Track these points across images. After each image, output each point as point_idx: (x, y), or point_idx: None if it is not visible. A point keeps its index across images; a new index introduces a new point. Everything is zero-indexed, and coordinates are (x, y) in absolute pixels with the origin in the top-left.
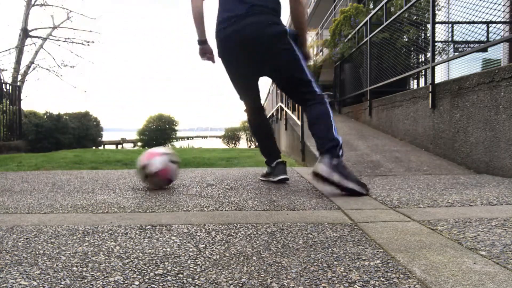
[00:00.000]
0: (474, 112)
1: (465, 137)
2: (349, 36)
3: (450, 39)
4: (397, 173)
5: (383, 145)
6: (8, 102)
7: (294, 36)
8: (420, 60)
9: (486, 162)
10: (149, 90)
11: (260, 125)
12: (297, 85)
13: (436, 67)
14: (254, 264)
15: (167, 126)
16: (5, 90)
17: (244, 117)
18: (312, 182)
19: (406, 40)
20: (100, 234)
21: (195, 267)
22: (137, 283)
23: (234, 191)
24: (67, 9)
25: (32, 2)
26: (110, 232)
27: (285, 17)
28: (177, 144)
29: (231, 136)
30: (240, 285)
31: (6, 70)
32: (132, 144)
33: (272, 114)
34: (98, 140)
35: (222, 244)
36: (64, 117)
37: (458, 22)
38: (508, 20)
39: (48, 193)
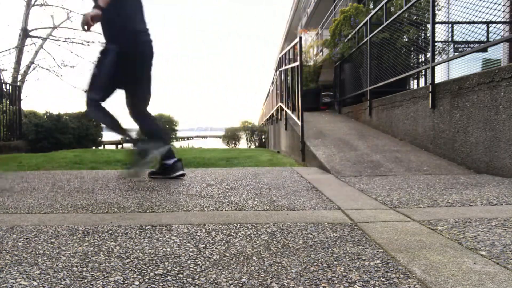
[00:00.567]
0: (474, 112)
1: (465, 137)
2: (349, 36)
3: (450, 39)
4: (397, 173)
5: (383, 145)
6: (8, 102)
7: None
8: (420, 60)
9: (486, 162)
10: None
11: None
12: None
13: (436, 67)
14: (254, 264)
15: (167, 126)
16: (5, 90)
17: (244, 117)
18: (312, 182)
19: (406, 40)
20: (100, 234)
21: (195, 267)
22: (137, 283)
23: (234, 191)
24: (67, 9)
25: (32, 2)
26: (110, 232)
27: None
28: (177, 144)
29: (231, 136)
30: (240, 285)
31: (6, 70)
32: (132, 144)
33: (272, 114)
34: (98, 140)
35: (222, 244)
36: (64, 117)
37: (458, 22)
38: (508, 20)
39: (48, 193)
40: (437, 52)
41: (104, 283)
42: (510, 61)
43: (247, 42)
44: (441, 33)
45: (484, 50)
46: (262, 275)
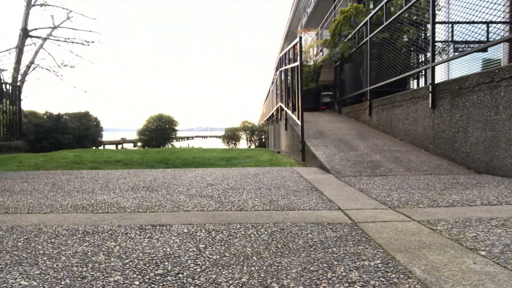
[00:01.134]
0: (474, 112)
1: (465, 137)
2: (349, 36)
3: (450, 39)
4: (397, 173)
5: (383, 145)
6: (8, 102)
7: None
8: (420, 60)
9: (486, 162)
10: (149, 90)
11: None
12: None
13: (436, 67)
14: (254, 264)
15: (167, 126)
16: (5, 90)
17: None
18: (312, 182)
19: (406, 40)
20: (100, 234)
21: (195, 267)
22: (137, 283)
23: (234, 191)
24: (67, 9)
25: (32, 2)
26: (110, 232)
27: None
28: (177, 144)
29: (231, 136)
30: (240, 285)
31: (6, 70)
32: (132, 144)
33: (272, 114)
34: (98, 140)
35: (222, 244)
36: (64, 117)
37: (458, 22)
38: (508, 20)
39: (48, 193)
40: (437, 52)
41: (104, 283)
42: (510, 61)
43: (247, 42)
44: (441, 33)
45: (484, 50)
46: (262, 275)
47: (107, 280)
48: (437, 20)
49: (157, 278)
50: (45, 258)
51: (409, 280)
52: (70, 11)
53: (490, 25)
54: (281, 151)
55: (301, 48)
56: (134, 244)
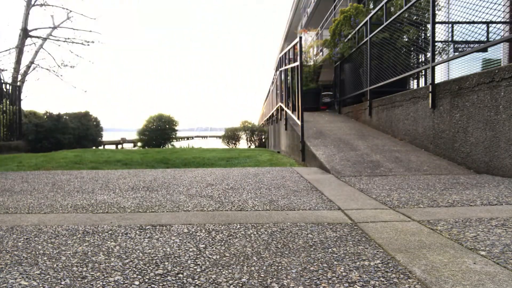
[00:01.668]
0: (474, 112)
1: (465, 137)
2: (349, 36)
3: (450, 39)
4: (397, 173)
5: (383, 145)
6: (8, 102)
7: None
8: (420, 60)
9: (486, 162)
10: (149, 90)
11: None
12: None
13: (436, 67)
14: (254, 264)
15: (167, 126)
16: (5, 90)
17: (244, 117)
18: (312, 182)
19: (406, 40)
20: (100, 234)
21: (195, 267)
22: (137, 283)
23: (234, 191)
24: (67, 9)
25: (32, 2)
26: (110, 232)
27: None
28: (177, 144)
29: (231, 136)
30: (240, 285)
31: (6, 70)
32: (132, 144)
33: (272, 114)
34: (98, 140)
35: (222, 244)
36: (64, 117)
37: (458, 22)
38: (508, 20)
39: (48, 193)
40: (437, 52)
41: (104, 283)
42: (510, 61)
43: (247, 42)
44: (441, 33)
45: (484, 50)
46: (262, 275)
47: (107, 280)
48: (437, 20)
49: (157, 278)
50: (45, 258)
51: (409, 280)
52: (70, 11)
53: (490, 25)
54: (281, 151)
55: (301, 48)
56: (134, 244)
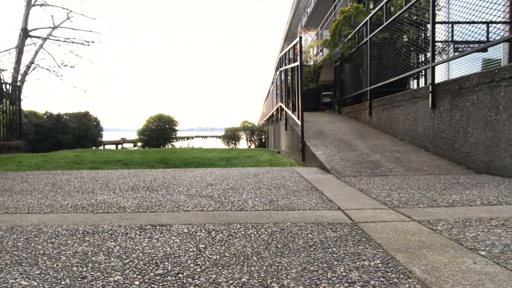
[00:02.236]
0: (474, 112)
1: (465, 137)
2: (349, 36)
3: (450, 39)
4: (397, 173)
5: (383, 145)
6: (8, 102)
7: None
8: (420, 60)
9: (486, 162)
10: (149, 90)
11: None
12: None
13: (436, 67)
14: (254, 264)
15: (167, 126)
16: (5, 90)
17: (244, 117)
18: (312, 182)
19: (406, 40)
20: (100, 234)
21: (195, 267)
22: (137, 283)
23: (234, 191)
24: (67, 9)
25: (32, 2)
26: (110, 232)
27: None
28: (177, 144)
29: (231, 136)
30: (240, 285)
31: (6, 70)
32: (132, 144)
33: (272, 114)
34: (98, 140)
35: (222, 244)
36: (64, 117)
37: (458, 22)
38: (508, 20)
39: (48, 193)
40: (437, 52)
41: (104, 283)
42: (510, 61)
43: (247, 42)
44: (441, 33)
45: (484, 50)
46: (262, 275)
47: (107, 280)
48: (437, 20)
49: (157, 278)
50: (45, 258)
51: (409, 280)
52: (70, 11)
53: (490, 25)
54: (281, 151)
55: (301, 48)
56: (134, 244)
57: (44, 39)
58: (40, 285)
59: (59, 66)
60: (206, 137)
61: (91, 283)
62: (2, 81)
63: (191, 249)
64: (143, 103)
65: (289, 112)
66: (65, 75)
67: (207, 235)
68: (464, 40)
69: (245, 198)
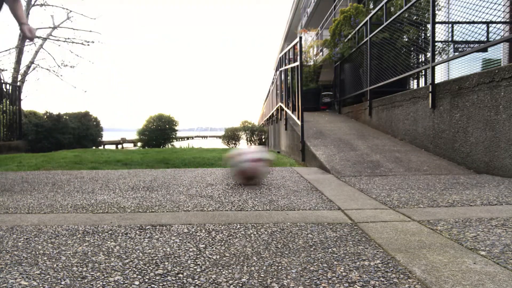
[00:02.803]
0: (474, 112)
1: (465, 137)
2: (349, 36)
3: (450, 39)
4: (397, 173)
5: (383, 145)
6: (8, 102)
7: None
8: (420, 60)
9: (486, 162)
10: (149, 90)
11: None
12: None
13: (436, 67)
14: (254, 264)
15: (167, 126)
16: (5, 90)
17: (244, 117)
18: (312, 182)
19: (406, 40)
20: (100, 234)
21: (195, 267)
22: (137, 283)
23: (234, 191)
24: (67, 9)
25: (32, 2)
26: (110, 232)
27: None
28: (177, 144)
29: (231, 136)
30: (240, 285)
31: (6, 70)
32: (132, 144)
33: (272, 114)
34: (98, 140)
35: (222, 244)
36: (64, 117)
37: (458, 22)
38: (508, 20)
39: (48, 193)
40: (437, 52)
41: (104, 283)
42: (510, 61)
43: (247, 41)
44: (441, 33)
45: (484, 50)
46: (262, 275)
47: (107, 280)
48: (437, 20)
49: (157, 278)
50: (45, 258)
51: (409, 280)
52: (70, 11)
53: (490, 25)
54: (281, 151)
55: (301, 48)
56: (134, 244)
57: (44, 39)
58: (40, 285)
59: (59, 66)
60: (206, 137)
61: (91, 283)
62: (2, 81)
63: (191, 249)
64: (143, 103)
65: (289, 112)
66: (65, 75)
67: (207, 235)
68: (464, 40)
69: (245, 198)
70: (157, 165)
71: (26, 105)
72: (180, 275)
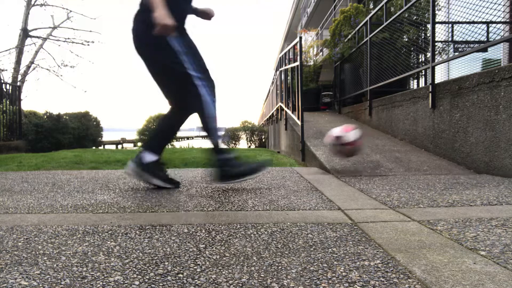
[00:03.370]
0: (474, 112)
1: (465, 137)
2: (349, 36)
3: (450, 39)
4: (397, 173)
5: (383, 145)
6: (8, 102)
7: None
8: (420, 60)
9: (486, 162)
10: (149, 90)
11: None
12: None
13: (436, 67)
14: (254, 264)
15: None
16: (5, 90)
17: (244, 117)
18: (312, 182)
19: (406, 40)
20: (100, 234)
21: (195, 267)
22: (137, 283)
23: (234, 191)
24: (67, 9)
25: (32, 2)
26: (110, 232)
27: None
28: (177, 144)
29: (231, 136)
30: (240, 285)
31: (6, 70)
32: (132, 144)
33: (272, 114)
34: (98, 140)
35: (222, 244)
36: (64, 117)
37: (458, 22)
38: (508, 20)
39: (48, 193)
40: (437, 52)
41: (104, 283)
42: (510, 61)
43: (247, 41)
44: (441, 33)
45: (484, 50)
46: (262, 275)
47: (107, 280)
48: (437, 20)
49: (157, 278)
50: (45, 258)
51: (409, 280)
52: (70, 11)
53: (490, 25)
54: (281, 151)
55: (301, 48)
56: (134, 244)
57: (44, 39)
58: (40, 285)
59: (59, 66)
60: (206, 137)
61: (91, 283)
62: (2, 81)
63: (191, 249)
64: (143, 103)
65: (289, 112)
66: (65, 75)
67: (207, 235)
68: (464, 40)
69: (245, 198)
70: None
71: (26, 105)
72: (180, 275)
